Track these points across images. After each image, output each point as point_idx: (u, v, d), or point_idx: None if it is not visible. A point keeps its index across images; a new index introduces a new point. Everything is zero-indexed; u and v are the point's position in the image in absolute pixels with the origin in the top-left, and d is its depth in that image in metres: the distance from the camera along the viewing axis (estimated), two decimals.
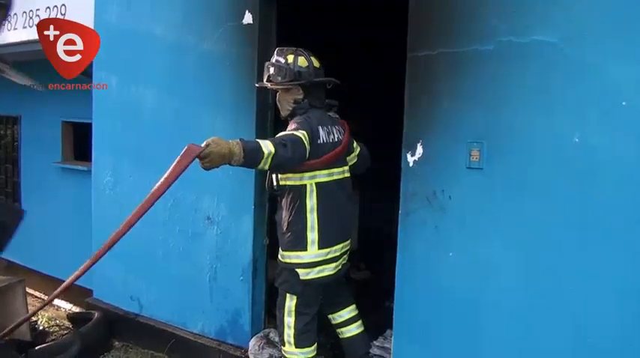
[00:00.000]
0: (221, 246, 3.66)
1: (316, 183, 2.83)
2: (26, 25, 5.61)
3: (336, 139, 2.92)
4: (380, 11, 4.59)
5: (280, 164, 2.65)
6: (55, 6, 5.17)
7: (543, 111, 2.49)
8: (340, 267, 3.00)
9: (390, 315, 3.08)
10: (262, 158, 2.55)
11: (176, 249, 3.88)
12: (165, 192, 2.47)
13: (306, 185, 2.82)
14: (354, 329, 3.20)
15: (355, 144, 3.15)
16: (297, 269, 2.87)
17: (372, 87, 5.04)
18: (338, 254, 2.94)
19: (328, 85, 2.99)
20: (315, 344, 3.00)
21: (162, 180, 2.46)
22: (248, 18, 3.46)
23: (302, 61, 2.87)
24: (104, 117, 4.35)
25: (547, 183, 2.50)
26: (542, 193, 2.52)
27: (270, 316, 3.61)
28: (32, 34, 5.49)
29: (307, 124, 2.79)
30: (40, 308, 3.55)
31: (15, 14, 5.72)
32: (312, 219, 2.83)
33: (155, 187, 2.48)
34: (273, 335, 3.52)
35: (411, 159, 2.87)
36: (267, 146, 2.56)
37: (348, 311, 3.20)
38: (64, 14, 5.05)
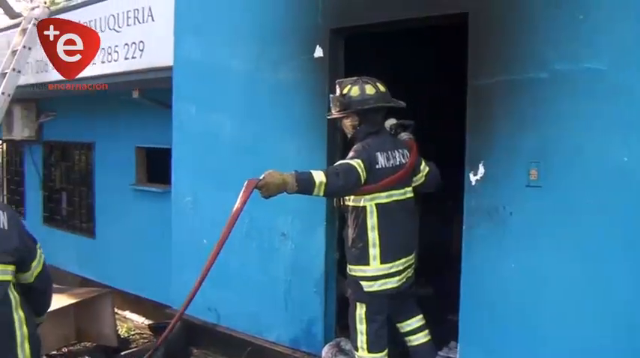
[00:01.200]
0: (295, 260, 3.96)
1: (376, 204, 3.06)
2: (104, 60, 6.11)
3: (397, 163, 3.12)
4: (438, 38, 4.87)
5: (334, 191, 2.99)
6: (134, 42, 5.64)
7: (595, 133, 2.72)
8: (404, 279, 3.19)
9: (453, 328, 3.28)
10: (314, 186, 2.89)
11: (253, 263, 4.20)
12: (237, 219, 2.93)
13: (366, 206, 3.07)
14: (421, 338, 3.39)
15: (423, 164, 3.31)
16: (361, 282, 3.10)
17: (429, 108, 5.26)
18: (401, 268, 3.13)
19: (399, 106, 3.24)
20: (386, 350, 3.18)
21: (234, 209, 2.92)
22: (319, 52, 3.79)
23: (354, 91, 3.13)
24: (184, 143, 4.75)
25: (602, 199, 2.71)
26: (597, 209, 2.72)
27: (341, 327, 3.86)
28: (110, 69, 5.99)
29: (365, 152, 3.05)
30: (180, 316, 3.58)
31: None
32: (373, 236, 3.06)
33: (230, 216, 2.94)
34: (344, 344, 3.76)
35: (473, 178, 3.11)
36: (319, 176, 2.89)
37: (416, 321, 3.38)
38: (143, 50, 5.52)
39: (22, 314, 2.21)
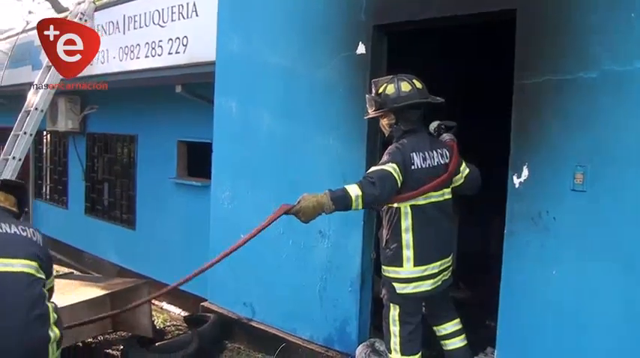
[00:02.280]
0: (331, 259, 3.93)
1: (411, 206, 2.99)
2: (148, 54, 6.21)
3: (435, 163, 3.04)
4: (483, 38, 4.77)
5: (372, 201, 2.92)
6: (177, 37, 5.71)
7: None
8: (440, 283, 3.11)
9: (490, 333, 3.19)
10: (351, 201, 2.84)
11: (289, 260, 4.20)
12: (258, 233, 3.01)
13: (400, 208, 3.00)
14: (458, 343, 3.31)
15: (464, 165, 3.22)
16: (393, 283, 3.04)
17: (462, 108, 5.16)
18: (436, 271, 3.06)
19: (436, 102, 3.14)
20: (420, 353, 3.12)
21: (257, 226, 2.99)
22: (361, 49, 3.75)
23: (390, 89, 3.06)
24: (224, 138, 4.78)
25: None
26: None
27: (375, 327, 3.82)
28: (154, 63, 6.08)
29: (399, 154, 2.97)
30: (162, 293, 3.81)
31: (138, 44, 6.36)
32: (407, 238, 3.00)
33: (255, 228, 3.01)
34: (379, 345, 3.72)
35: (516, 181, 3.02)
36: (354, 190, 2.84)
37: (453, 325, 3.30)
38: (186, 45, 5.58)
39: (57, 331, 2.48)
